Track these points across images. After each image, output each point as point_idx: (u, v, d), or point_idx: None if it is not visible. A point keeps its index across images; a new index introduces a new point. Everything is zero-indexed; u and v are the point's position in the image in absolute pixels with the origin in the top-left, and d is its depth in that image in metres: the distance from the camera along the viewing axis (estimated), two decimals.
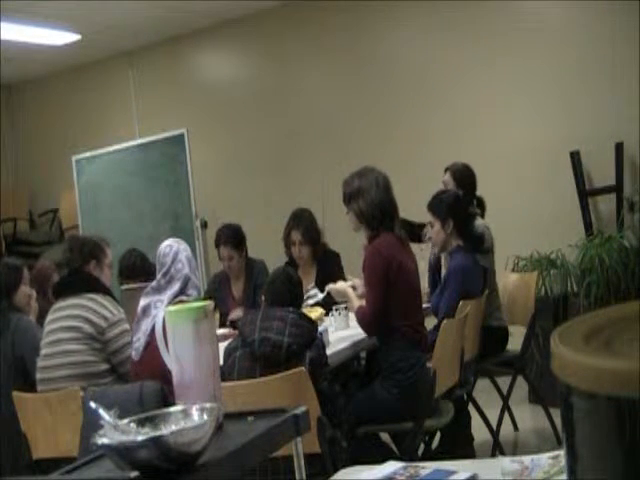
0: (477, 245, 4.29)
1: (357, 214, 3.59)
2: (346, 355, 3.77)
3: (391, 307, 3.50)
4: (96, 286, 3.68)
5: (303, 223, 4.65)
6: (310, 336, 3.10)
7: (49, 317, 3.65)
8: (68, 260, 3.87)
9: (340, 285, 3.85)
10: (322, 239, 4.79)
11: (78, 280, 3.72)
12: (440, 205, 4.12)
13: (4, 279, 4.03)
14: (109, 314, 3.57)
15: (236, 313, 4.53)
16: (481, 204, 4.77)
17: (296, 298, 3.34)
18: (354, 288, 3.83)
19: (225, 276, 4.94)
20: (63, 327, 3.55)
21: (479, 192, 4.87)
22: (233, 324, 4.25)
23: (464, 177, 4.68)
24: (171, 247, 3.41)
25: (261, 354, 3.04)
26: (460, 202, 4.21)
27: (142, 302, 3.40)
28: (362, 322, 3.59)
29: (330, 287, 3.88)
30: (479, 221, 4.60)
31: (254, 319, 3.14)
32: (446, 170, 4.79)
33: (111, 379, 3.53)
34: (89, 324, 3.53)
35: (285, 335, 3.04)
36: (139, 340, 3.37)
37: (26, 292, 4.09)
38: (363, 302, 3.64)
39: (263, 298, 3.34)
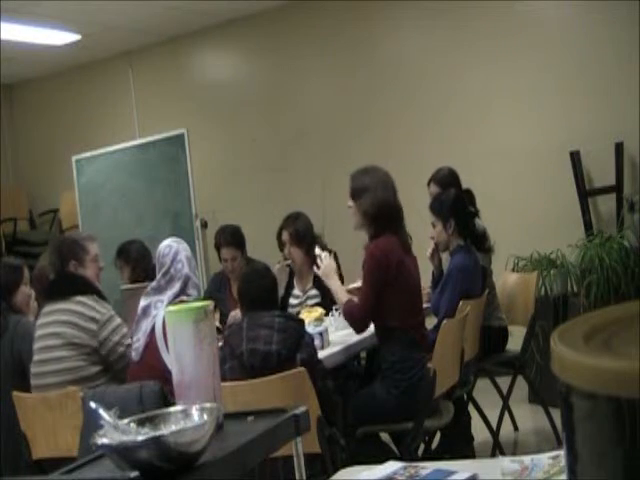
0: (480, 244, 4.29)
1: (362, 212, 3.57)
2: (346, 355, 3.77)
3: (391, 307, 3.50)
4: (82, 287, 3.63)
5: (294, 224, 4.65)
6: (298, 337, 3.07)
7: (39, 321, 3.60)
8: (51, 263, 3.85)
9: (327, 267, 3.75)
10: (320, 240, 4.78)
11: (63, 283, 3.68)
12: (442, 205, 4.13)
13: (4, 279, 4.01)
14: (98, 315, 3.53)
15: (236, 314, 4.51)
16: (471, 199, 4.74)
17: (271, 293, 3.25)
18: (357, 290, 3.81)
19: (225, 276, 4.94)
20: (51, 333, 3.52)
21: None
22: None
23: (450, 182, 4.65)
24: (171, 247, 3.41)
25: (251, 366, 3.02)
26: (461, 202, 4.21)
27: (142, 302, 3.40)
28: (351, 318, 3.56)
29: (318, 263, 3.78)
30: (477, 221, 4.59)
31: (240, 329, 3.09)
32: (429, 182, 4.73)
33: (104, 380, 3.52)
34: (78, 329, 3.50)
35: (273, 343, 3.01)
36: (139, 340, 3.36)
37: (26, 292, 4.07)
38: (352, 297, 3.63)
39: (240, 304, 3.29)
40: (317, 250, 3.88)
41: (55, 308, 3.58)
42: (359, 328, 3.60)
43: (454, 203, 4.14)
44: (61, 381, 3.45)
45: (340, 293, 3.69)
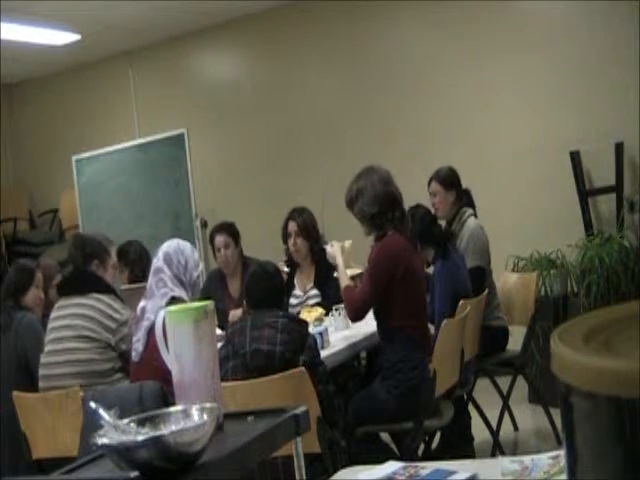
0: (446, 237, 4.19)
1: (360, 217, 3.60)
2: (346, 355, 3.77)
3: (396, 307, 3.50)
4: (101, 286, 3.68)
5: (301, 216, 4.68)
6: (302, 339, 3.07)
7: (53, 314, 3.66)
8: (71, 258, 3.90)
9: (335, 249, 3.84)
10: (321, 239, 4.79)
11: (83, 279, 3.73)
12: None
13: (14, 280, 4.07)
14: (117, 315, 3.59)
15: (236, 314, 4.51)
16: (469, 198, 4.72)
17: (278, 295, 3.27)
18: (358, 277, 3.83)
19: (221, 274, 4.95)
20: (67, 325, 3.56)
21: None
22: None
23: (451, 181, 4.63)
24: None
25: (254, 366, 3.02)
26: (416, 219, 4.09)
27: (142, 302, 3.40)
28: (349, 305, 3.61)
29: (326, 247, 3.90)
30: (473, 221, 4.57)
31: (244, 327, 3.10)
32: (430, 180, 4.69)
33: (117, 377, 3.54)
34: (95, 323, 3.54)
35: (277, 344, 3.01)
36: (139, 340, 3.36)
37: (36, 294, 4.12)
38: (352, 284, 3.65)
39: (245, 302, 3.31)
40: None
41: (71, 302, 3.62)
42: (354, 317, 3.65)
43: (413, 223, 4.05)
44: (71, 372, 3.47)
45: (343, 276, 3.73)
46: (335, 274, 3.94)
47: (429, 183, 4.68)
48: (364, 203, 3.56)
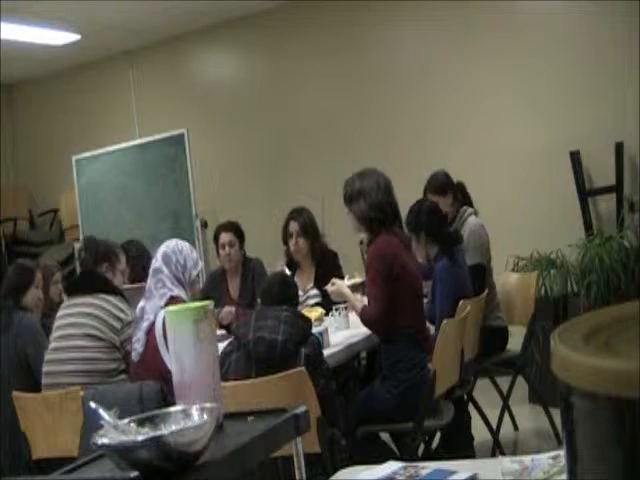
0: (454, 240, 4.19)
1: (357, 216, 3.59)
2: (346, 355, 3.77)
3: (393, 307, 3.50)
4: (109, 287, 3.71)
5: (302, 216, 4.70)
6: (304, 334, 3.10)
7: (60, 312, 3.69)
8: (81, 260, 3.93)
9: (337, 286, 3.82)
10: (321, 239, 4.80)
11: (92, 280, 3.76)
12: (408, 220, 4.06)
13: (14, 279, 4.09)
14: (123, 315, 3.61)
15: (228, 312, 4.51)
16: (463, 191, 4.69)
17: (292, 298, 3.35)
18: (361, 286, 3.81)
19: (221, 274, 4.96)
20: (74, 323, 3.58)
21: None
22: (227, 328, 4.23)
23: (445, 186, 4.60)
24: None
25: (256, 354, 3.04)
26: (422, 211, 4.12)
27: (142, 303, 3.40)
28: (370, 322, 3.57)
29: (327, 288, 3.88)
30: (473, 219, 4.56)
31: (248, 320, 3.15)
32: (425, 192, 4.58)
33: (122, 378, 3.54)
34: (101, 323, 3.56)
35: (279, 333, 3.04)
36: (139, 340, 3.36)
37: (36, 294, 4.14)
38: (365, 301, 3.64)
39: (259, 300, 3.36)
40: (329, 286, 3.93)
41: (79, 301, 3.65)
42: (377, 329, 3.61)
43: (417, 216, 4.04)
44: (75, 370, 3.49)
45: (355, 303, 3.70)
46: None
47: (424, 194, 4.62)
48: (366, 203, 3.55)
